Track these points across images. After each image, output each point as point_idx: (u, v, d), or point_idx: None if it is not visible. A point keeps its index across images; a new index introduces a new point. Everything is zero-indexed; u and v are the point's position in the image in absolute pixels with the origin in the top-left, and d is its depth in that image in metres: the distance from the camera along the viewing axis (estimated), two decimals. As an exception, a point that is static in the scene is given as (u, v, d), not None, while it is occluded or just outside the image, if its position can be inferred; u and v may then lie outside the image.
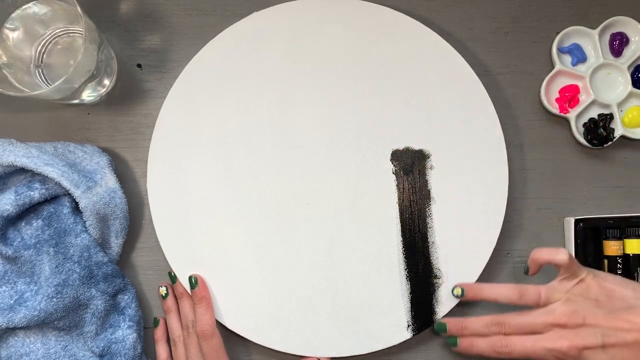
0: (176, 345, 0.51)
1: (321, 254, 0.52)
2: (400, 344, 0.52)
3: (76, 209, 0.51)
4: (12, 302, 0.48)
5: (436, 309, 0.52)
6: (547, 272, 0.50)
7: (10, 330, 0.49)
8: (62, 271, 0.48)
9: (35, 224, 0.50)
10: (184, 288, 0.52)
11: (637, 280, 0.52)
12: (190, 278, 0.51)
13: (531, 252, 0.49)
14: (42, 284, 0.48)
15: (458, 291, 0.51)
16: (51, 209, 0.50)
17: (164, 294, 0.52)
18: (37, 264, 0.49)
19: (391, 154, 0.53)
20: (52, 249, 0.49)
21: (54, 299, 0.47)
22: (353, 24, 0.55)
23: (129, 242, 0.54)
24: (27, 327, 0.49)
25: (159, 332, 0.52)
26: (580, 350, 0.45)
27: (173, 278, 0.52)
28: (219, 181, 0.53)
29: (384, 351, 0.52)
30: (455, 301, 0.52)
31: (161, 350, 0.52)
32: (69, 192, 0.49)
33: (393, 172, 0.53)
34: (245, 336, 0.51)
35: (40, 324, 0.48)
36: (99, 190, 0.50)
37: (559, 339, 0.45)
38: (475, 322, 0.49)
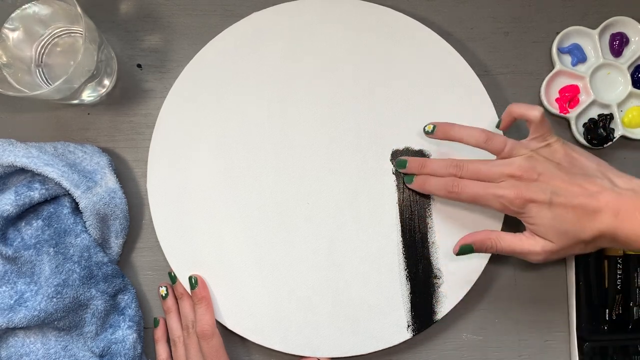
0: (176, 345, 0.51)
1: (321, 254, 0.52)
2: (400, 344, 0.52)
3: (76, 209, 0.51)
4: (12, 302, 0.48)
5: (436, 309, 0.52)
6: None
7: (10, 331, 0.49)
8: (62, 271, 0.48)
9: (35, 224, 0.50)
10: (184, 288, 0.52)
11: (638, 281, 0.52)
12: (190, 278, 0.51)
13: (510, 108, 0.49)
14: (42, 284, 0.48)
15: (429, 127, 0.51)
16: (51, 209, 0.50)
17: (164, 294, 0.52)
18: (37, 264, 0.49)
19: (391, 154, 0.53)
20: (52, 249, 0.49)
21: (54, 299, 0.47)
22: (353, 24, 0.55)
23: (129, 242, 0.54)
24: (27, 328, 0.49)
25: (159, 332, 0.52)
26: (526, 201, 0.45)
27: (173, 278, 0.52)
28: (219, 181, 0.53)
29: (384, 351, 0.52)
30: (455, 301, 0.52)
31: (161, 350, 0.52)
32: (69, 192, 0.49)
33: (393, 172, 0.53)
34: (245, 336, 0.51)
35: (40, 324, 0.48)
36: (99, 190, 0.50)
37: (509, 187, 0.46)
38: (436, 162, 0.50)
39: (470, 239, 0.48)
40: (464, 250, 0.48)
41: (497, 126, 0.51)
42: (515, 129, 0.53)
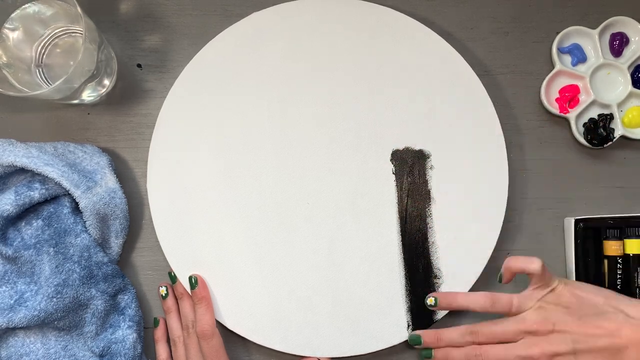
0: (176, 345, 0.51)
1: (321, 254, 0.52)
2: (400, 344, 0.52)
3: (76, 209, 0.51)
4: (12, 302, 0.48)
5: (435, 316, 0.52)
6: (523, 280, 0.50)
7: (10, 331, 0.49)
8: (62, 271, 0.48)
9: (35, 224, 0.50)
10: (184, 288, 0.52)
11: (638, 281, 0.52)
12: (190, 278, 0.51)
13: (506, 262, 0.49)
14: (42, 284, 0.48)
15: (431, 300, 0.51)
16: (51, 209, 0.50)
17: (164, 294, 0.52)
18: (37, 264, 0.49)
19: (391, 154, 0.53)
20: (52, 249, 0.49)
21: (54, 299, 0.47)
22: (353, 24, 0.54)
23: (129, 242, 0.54)
24: (27, 327, 0.49)
25: (159, 332, 0.52)
26: (551, 357, 0.45)
27: (173, 278, 0.52)
28: (219, 181, 0.53)
29: (384, 351, 0.52)
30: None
31: (161, 350, 0.52)
32: (69, 192, 0.49)
33: (393, 172, 0.53)
34: (245, 336, 0.51)
35: (40, 324, 0.48)
36: (99, 190, 0.50)
37: (530, 346, 0.46)
38: (450, 332, 0.50)
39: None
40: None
41: (499, 280, 0.51)
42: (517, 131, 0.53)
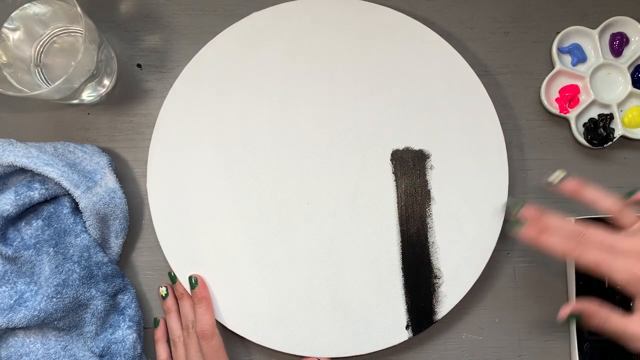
0: (176, 345, 0.51)
1: (321, 254, 0.52)
2: (400, 344, 0.52)
3: (76, 209, 0.51)
4: (12, 302, 0.48)
5: (436, 309, 0.52)
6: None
7: (10, 331, 0.49)
8: (62, 271, 0.48)
9: (35, 224, 0.50)
10: (184, 288, 0.52)
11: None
12: (190, 278, 0.51)
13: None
14: (42, 284, 0.48)
15: (560, 175, 0.47)
16: (51, 209, 0.50)
17: (164, 295, 0.52)
18: (37, 264, 0.49)
19: (391, 154, 0.53)
20: (52, 249, 0.49)
21: (54, 299, 0.47)
22: (353, 24, 0.55)
23: (129, 242, 0.54)
24: (27, 328, 0.49)
25: (159, 332, 0.52)
26: None
27: (173, 278, 0.52)
28: (218, 181, 0.53)
29: (384, 351, 0.52)
30: (455, 301, 0.52)
31: (161, 350, 0.52)
32: (69, 192, 0.49)
33: (393, 172, 0.53)
34: (245, 336, 0.51)
35: (40, 324, 0.48)
36: (99, 190, 0.50)
37: None
38: (556, 217, 0.45)
39: (580, 307, 0.44)
40: (573, 318, 0.44)
41: (629, 194, 0.47)
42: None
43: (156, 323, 0.52)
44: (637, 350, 0.42)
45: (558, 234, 0.44)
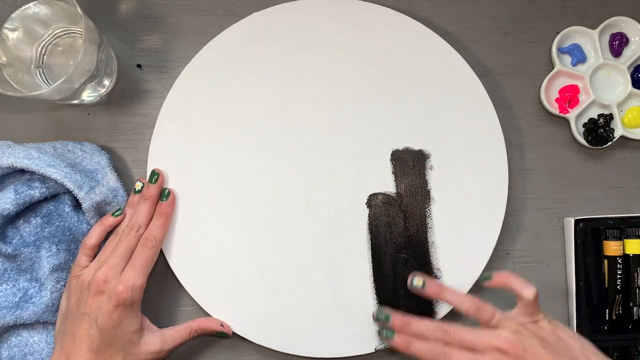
0: (115, 238, 0.49)
1: (321, 254, 0.52)
2: (400, 344, 0.52)
3: (77, 206, 0.51)
4: (16, 299, 0.48)
5: (436, 309, 0.52)
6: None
7: (12, 330, 0.49)
8: (67, 268, 0.49)
9: (34, 222, 0.50)
10: (156, 195, 0.51)
11: (638, 281, 0.52)
12: (164, 190, 0.51)
13: (505, 274, 0.48)
14: (45, 280, 0.49)
15: (419, 282, 0.50)
16: (51, 207, 0.50)
17: (137, 189, 0.51)
18: (37, 261, 0.49)
19: (391, 154, 0.53)
20: (54, 246, 0.49)
21: (58, 294, 0.49)
22: (353, 25, 0.55)
23: (129, 242, 0.54)
24: (31, 327, 0.49)
25: (110, 221, 0.50)
26: None
27: (153, 179, 0.51)
28: (219, 181, 0.53)
29: (384, 351, 0.52)
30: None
31: (95, 233, 0.49)
32: (73, 192, 0.49)
33: (393, 172, 0.53)
34: (245, 336, 0.51)
35: (44, 323, 0.49)
36: (102, 189, 0.51)
37: None
38: (421, 323, 0.48)
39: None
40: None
41: (483, 279, 0.50)
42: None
43: (119, 213, 0.51)
44: None
45: (426, 338, 0.47)
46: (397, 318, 0.49)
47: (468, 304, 0.48)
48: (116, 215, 0.50)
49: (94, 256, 0.49)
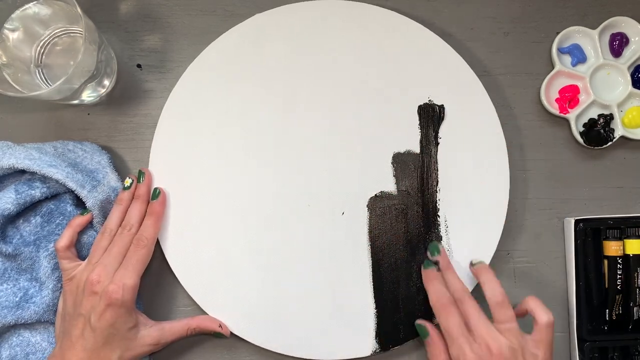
0: (103, 235, 0.49)
1: (321, 255, 0.52)
2: (401, 345, 0.52)
3: (78, 205, 0.52)
4: (17, 299, 0.48)
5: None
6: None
7: (13, 330, 0.50)
8: None
9: (33, 221, 0.50)
10: (147, 193, 0.51)
11: (638, 281, 0.52)
12: (155, 189, 0.52)
13: (531, 297, 0.48)
14: (45, 279, 0.49)
15: (476, 261, 0.51)
16: (52, 206, 0.50)
17: (126, 185, 0.51)
18: (37, 260, 0.49)
19: (392, 157, 0.53)
20: (53, 245, 0.49)
21: (59, 294, 0.49)
22: (354, 27, 0.54)
23: (129, 242, 0.54)
24: (32, 327, 0.50)
25: (77, 221, 0.50)
26: None
27: (140, 177, 0.52)
28: (219, 182, 0.53)
29: (384, 353, 0.52)
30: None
31: (65, 235, 0.49)
32: (75, 192, 0.49)
33: (394, 175, 0.53)
34: (245, 337, 0.51)
35: (45, 323, 0.49)
36: (103, 188, 0.51)
37: (474, 352, 0.45)
38: (455, 279, 0.50)
39: (429, 331, 0.50)
40: (420, 330, 0.50)
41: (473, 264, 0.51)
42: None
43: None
44: None
45: (447, 287, 0.49)
46: (444, 258, 0.51)
47: (498, 293, 0.47)
48: (83, 215, 0.50)
49: (76, 257, 0.49)
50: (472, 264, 0.51)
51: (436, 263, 0.51)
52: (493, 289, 0.48)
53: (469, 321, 0.47)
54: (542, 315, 0.46)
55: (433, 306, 0.49)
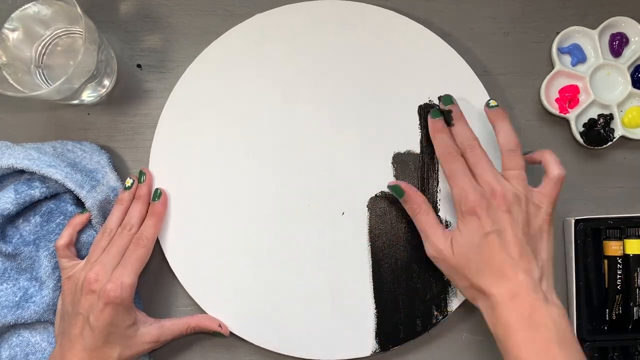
0: (103, 235, 0.49)
1: (322, 255, 0.52)
2: (401, 345, 0.52)
3: (78, 205, 0.52)
4: (17, 299, 0.48)
5: (435, 312, 0.52)
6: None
7: (14, 330, 0.50)
8: None
9: (33, 221, 0.50)
10: (148, 194, 0.51)
11: (638, 281, 0.52)
12: (156, 190, 0.52)
13: (547, 151, 0.48)
14: (45, 279, 0.49)
15: (494, 102, 0.50)
16: (51, 206, 0.51)
17: (127, 185, 0.51)
18: (37, 260, 0.49)
19: (392, 157, 0.53)
20: (53, 245, 0.49)
21: (59, 293, 0.49)
22: (354, 27, 0.54)
23: (129, 242, 0.54)
24: (32, 327, 0.50)
25: (77, 220, 0.50)
26: (474, 212, 0.45)
27: (141, 177, 0.52)
28: (219, 182, 0.53)
29: (384, 353, 0.52)
30: (457, 303, 0.52)
31: (65, 234, 0.49)
32: (74, 192, 0.49)
33: (394, 176, 0.53)
34: (245, 337, 0.51)
35: (45, 323, 0.49)
36: (102, 188, 0.51)
37: (479, 192, 0.45)
38: (464, 128, 0.50)
39: (403, 187, 0.50)
40: (394, 190, 0.50)
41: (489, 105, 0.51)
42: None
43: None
44: (426, 250, 0.48)
45: (455, 137, 0.49)
46: (456, 107, 0.51)
47: (512, 139, 0.47)
48: (83, 213, 0.50)
49: (75, 256, 0.50)
50: (488, 105, 0.50)
51: (447, 113, 0.50)
52: (507, 136, 0.47)
53: (476, 168, 0.46)
54: (555, 168, 0.46)
55: (439, 156, 0.49)
